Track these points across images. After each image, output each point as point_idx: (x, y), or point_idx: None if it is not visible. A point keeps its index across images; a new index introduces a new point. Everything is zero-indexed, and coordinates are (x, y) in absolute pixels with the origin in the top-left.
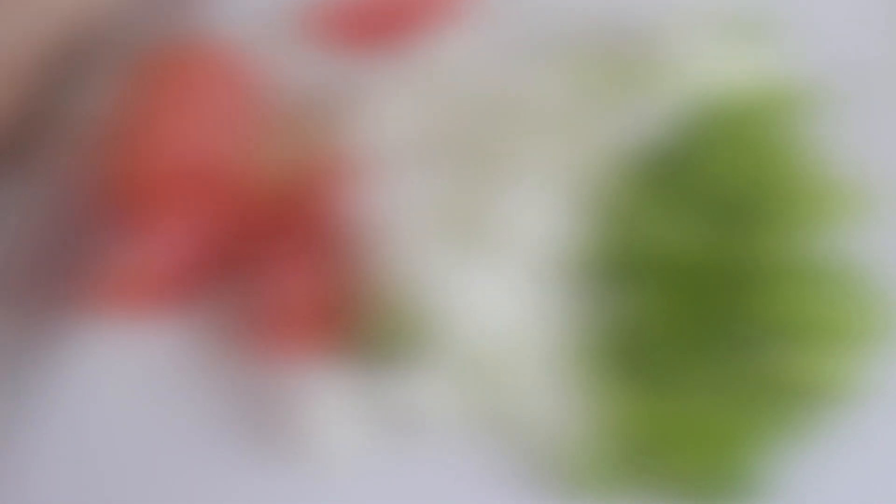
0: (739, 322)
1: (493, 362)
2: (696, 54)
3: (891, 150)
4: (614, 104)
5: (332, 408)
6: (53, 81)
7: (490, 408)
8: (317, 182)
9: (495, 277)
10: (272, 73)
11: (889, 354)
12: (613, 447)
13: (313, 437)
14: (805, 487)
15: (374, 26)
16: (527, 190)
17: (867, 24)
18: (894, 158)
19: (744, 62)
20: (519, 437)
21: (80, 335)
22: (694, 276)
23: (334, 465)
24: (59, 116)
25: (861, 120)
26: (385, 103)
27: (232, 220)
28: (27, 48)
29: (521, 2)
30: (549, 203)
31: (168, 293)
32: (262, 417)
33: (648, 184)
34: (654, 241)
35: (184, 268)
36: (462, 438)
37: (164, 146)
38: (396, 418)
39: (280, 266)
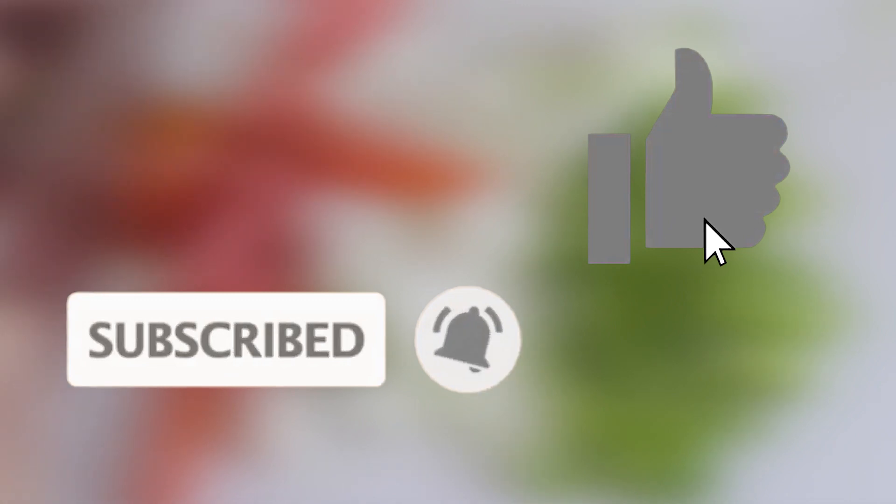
0: (691, 321)
1: None
2: (644, 54)
3: (841, 149)
4: (564, 105)
5: (293, 416)
6: None
7: (446, 411)
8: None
9: (450, 279)
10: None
11: (839, 353)
12: (567, 448)
13: (275, 445)
14: (754, 484)
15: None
16: (481, 193)
17: (816, 23)
18: (844, 158)
19: None
20: (474, 440)
21: None
22: (645, 276)
23: (295, 471)
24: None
25: (811, 119)
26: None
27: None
28: None
29: (471, 5)
30: (502, 205)
31: None
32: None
33: None
34: None
35: None
36: (419, 444)
37: None
38: (354, 426)
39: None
